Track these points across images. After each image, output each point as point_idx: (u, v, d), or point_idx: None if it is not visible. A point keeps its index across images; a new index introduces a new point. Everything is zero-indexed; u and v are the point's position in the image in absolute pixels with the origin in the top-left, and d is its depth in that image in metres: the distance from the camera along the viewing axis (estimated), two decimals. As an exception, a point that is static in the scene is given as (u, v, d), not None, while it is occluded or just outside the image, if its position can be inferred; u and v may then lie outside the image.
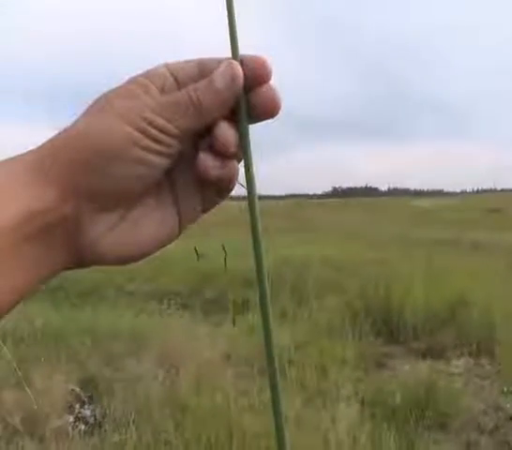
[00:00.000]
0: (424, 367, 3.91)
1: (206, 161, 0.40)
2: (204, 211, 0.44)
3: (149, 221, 0.40)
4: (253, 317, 4.79)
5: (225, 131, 0.40)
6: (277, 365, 0.40)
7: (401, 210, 24.52)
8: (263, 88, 0.40)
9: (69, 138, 0.37)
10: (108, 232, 0.39)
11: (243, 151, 0.41)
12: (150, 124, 0.37)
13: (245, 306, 5.23)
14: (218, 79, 0.39)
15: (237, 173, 0.41)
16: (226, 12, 0.41)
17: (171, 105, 0.38)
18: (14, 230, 0.34)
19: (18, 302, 0.36)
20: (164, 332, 3.94)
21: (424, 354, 4.23)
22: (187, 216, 0.43)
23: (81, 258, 0.39)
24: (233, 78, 0.39)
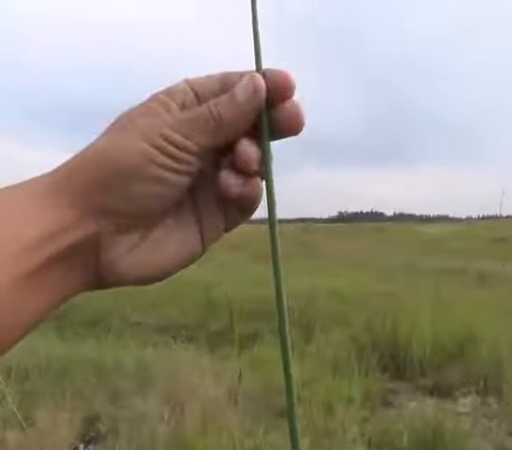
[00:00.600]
0: (430, 406, 3.87)
1: (228, 179, 0.39)
2: (227, 230, 0.43)
3: (171, 241, 0.40)
4: (259, 350, 4.78)
5: (247, 148, 0.39)
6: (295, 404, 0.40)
7: (408, 237, 24.45)
8: (287, 103, 0.39)
9: (86, 158, 0.37)
10: (128, 252, 0.38)
11: (264, 169, 0.40)
12: (168, 141, 0.37)
13: (251, 339, 5.21)
14: (240, 92, 0.38)
15: (261, 192, 0.41)
16: (251, 26, 0.41)
17: (190, 121, 0.38)
18: (35, 251, 0.34)
19: (39, 322, 0.36)
20: (170, 367, 3.92)
21: (431, 391, 4.18)
22: (209, 235, 0.42)
23: (101, 279, 0.38)
24: (256, 91, 0.38)
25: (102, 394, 3.48)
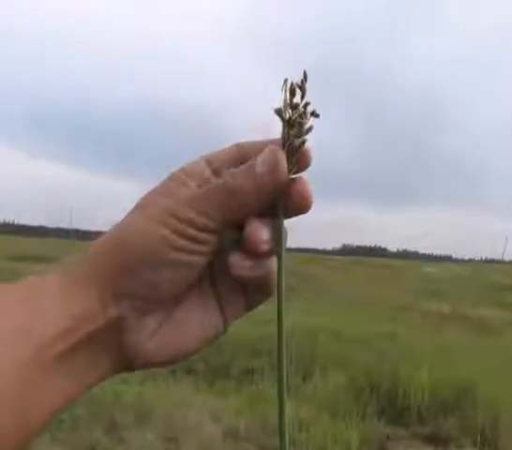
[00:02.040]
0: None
1: (238, 262, 0.38)
2: (248, 309, 0.42)
3: (193, 322, 0.39)
4: (258, 387, 4.76)
5: (256, 230, 0.38)
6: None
7: (412, 277, 24.30)
8: (299, 184, 0.38)
9: (108, 243, 0.37)
10: (152, 335, 0.37)
11: (276, 250, 0.39)
12: (185, 222, 0.36)
13: (250, 374, 5.19)
14: (259, 163, 0.37)
15: (274, 271, 0.39)
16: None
17: (206, 195, 0.37)
18: (58, 340, 0.34)
19: (66, 408, 0.35)
20: (168, 402, 3.90)
21: (428, 440, 4.15)
22: (230, 313, 0.41)
23: (127, 362, 0.38)
24: (276, 164, 0.37)
25: (99, 425, 3.47)
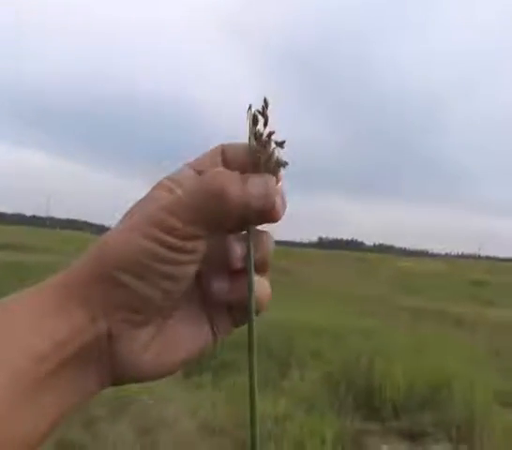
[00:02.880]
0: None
1: (216, 285, 0.38)
2: (236, 326, 0.41)
3: (185, 335, 0.39)
4: (234, 380, 4.76)
5: (231, 246, 0.38)
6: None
7: (389, 271, 24.51)
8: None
9: (94, 254, 0.36)
10: (145, 348, 0.37)
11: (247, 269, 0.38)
12: (165, 230, 0.35)
13: (227, 367, 5.19)
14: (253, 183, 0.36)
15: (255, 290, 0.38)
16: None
17: (189, 199, 0.35)
18: (52, 354, 0.33)
19: (56, 426, 0.34)
20: (144, 395, 3.89)
21: (403, 435, 4.18)
22: (221, 328, 0.40)
23: (118, 377, 0.37)
24: (266, 196, 0.37)
25: (76, 421, 3.44)
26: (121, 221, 0.37)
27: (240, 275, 0.38)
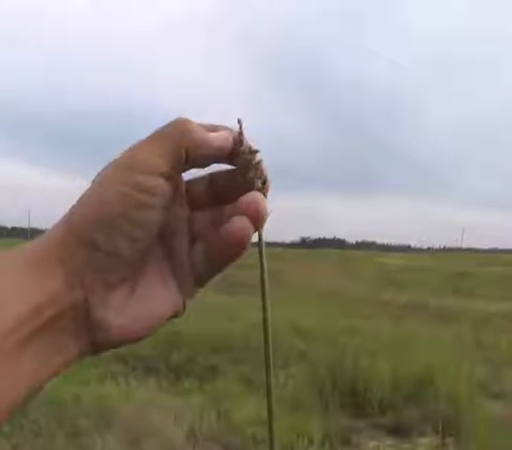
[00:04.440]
0: (389, 445, 3.89)
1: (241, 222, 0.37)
2: (200, 284, 0.41)
3: (156, 297, 0.39)
4: (220, 385, 4.75)
5: (242, 226, 0.37)
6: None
7: (371, 268, 24.60)
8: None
9: (72, 216, 0.36)
10: (119, 311, 0.37)
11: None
12: (137, 169, 0.36)
13: (212, 372, 5.19)
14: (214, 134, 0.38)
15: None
16: None
17: (153, 137, 0.37)
18: (16, 329, 0.32)
19: (36, 390, 0.34)
20: (129, 403, 3.87)
21: (390, 431, 4.20)
22: (186, 288, 0.40)
23: (94, 343, 0.37)
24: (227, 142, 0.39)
25: (61, 432, 3.41)
26: (92, 182, 0.37)
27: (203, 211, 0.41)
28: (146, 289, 0.38)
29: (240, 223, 0.37)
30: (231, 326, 6.43)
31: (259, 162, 0.39)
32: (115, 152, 0.37)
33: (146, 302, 0.38)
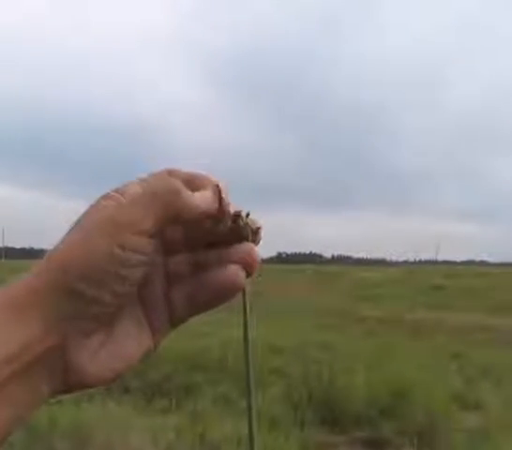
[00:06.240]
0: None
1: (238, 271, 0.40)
2: (173, 326, 0.42)
3: (130, 340, 0.39)
4: (197, 404, 4.72)
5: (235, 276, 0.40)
6: None
7: (348, 282, 24.64)
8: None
9: (52, 265, 0.36)
10: (94, 355, 0.37)
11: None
12: (126, 230, 0.36)
13: (188, 391, 5.15)
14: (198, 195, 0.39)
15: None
16: None
17: (146, 197, 0.37)
18: None
19: (6, 435, 0.35)
20: (106, 425, 3.82)
21: (367, 444, 4.21)
22: (159, 330, 0.41)
23: (68, 384, 0.37)
24: (213, 202, 0.40)
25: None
26: (69, 232, 0.37)
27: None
28: (121, 333, 0.39)
29: (234, 271, 0.40)
30: (206, 343, 6.39)
31: (247, 218, 0.42)
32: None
33: (121, 345, 0.39)
